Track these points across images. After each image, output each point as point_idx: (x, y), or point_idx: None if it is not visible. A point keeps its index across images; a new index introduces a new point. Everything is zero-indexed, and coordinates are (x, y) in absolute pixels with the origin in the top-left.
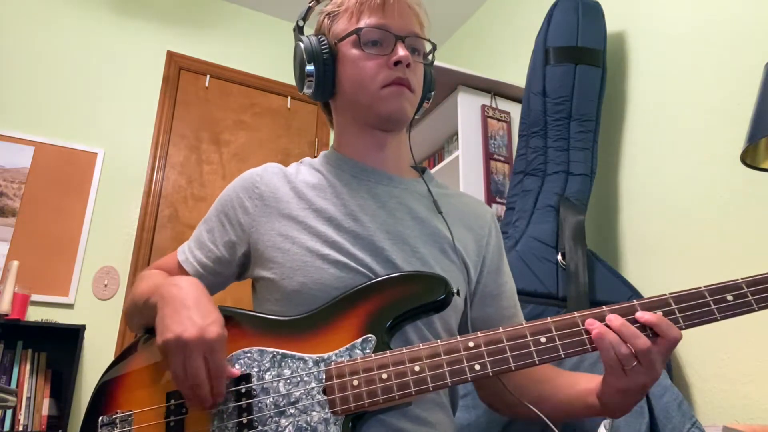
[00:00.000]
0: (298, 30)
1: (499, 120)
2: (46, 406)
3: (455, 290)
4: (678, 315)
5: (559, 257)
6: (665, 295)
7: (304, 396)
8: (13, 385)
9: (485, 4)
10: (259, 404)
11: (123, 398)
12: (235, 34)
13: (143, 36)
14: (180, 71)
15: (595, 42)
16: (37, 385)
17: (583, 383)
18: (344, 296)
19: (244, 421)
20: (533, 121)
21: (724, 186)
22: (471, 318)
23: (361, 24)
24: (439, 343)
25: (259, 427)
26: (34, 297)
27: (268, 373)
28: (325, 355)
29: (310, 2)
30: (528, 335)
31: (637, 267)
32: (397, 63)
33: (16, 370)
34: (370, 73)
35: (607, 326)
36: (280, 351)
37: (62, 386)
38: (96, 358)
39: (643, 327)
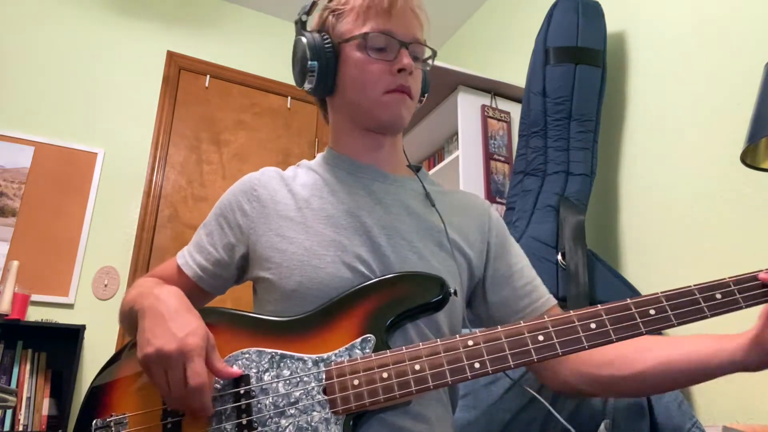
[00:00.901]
0: (301, 25)
1: (499, 120)
2: (46, 406)
3: (452, 290)
4: (670, 312)
5: (559, 257)
6: (657, 293)
7: (304, 396)
8: (13, 385)
9: (485, 4)
10: (259, 405)
11: (117, 401)
12: (235, 34)
13: (143, 36)
14: (180, 71)
15: (595, 42)
16: (37, 385)
17: (712, 344)
18: (342, 296)
19: (244, 422)
20: (533, 121)
21: (724, 186)
22: (489, 303)
23: (368, 27)
24: (439, 342)
25: (259, 428)
26: (34, 297)
27: (267, 373)
28: (325, 355)
29: None
30: (526, 333)
31: (637, 267)
32: (400, 70)
33: (16, 370)
34: (373, 77)
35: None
36: (279, 351)
37: (62, 386)
38: (96, 358)
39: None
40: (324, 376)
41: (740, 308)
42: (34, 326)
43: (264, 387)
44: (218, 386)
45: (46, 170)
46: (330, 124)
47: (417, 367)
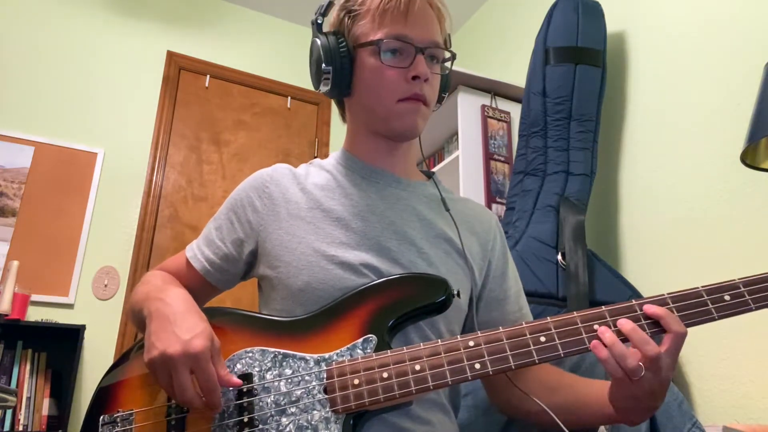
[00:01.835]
0: (317, 26)
1: (499, 120)
2: (46, 406)
3: (455, 292)
4: (676, 314)
5: (559, 257)
6: (663, 294)
7: (305, 395)
8: (13, 385)
9: (485, 4)
10: (260, 403)
11: (124, 398)
12: (235, 34)
13: (143, 36)
14: (180, 71)
15: (595, 42)
16: (37, 385)
17: (597, 390)
18: (345, 297)
19: (245, 419)
20: (533, 121)
21: (724, 186)
22: (477, 322)
23: (383, 32)
24: (440, 343)
25: (260, 426)
26: (34, 297)
27: (270, 372)
28: (326, 355)
29: None
30: (527, 334)
31: (637, 267)
32: (415, 78)
33: (16, 370)
34: (387, 85)
35: (618, 331)
36: (282, 351)
37: (62, 386)
38: (96, 358)
39: (654, 323)
40: (325, 375)
41: (750, 310)
42: (34, 326)
43: (266, 385)
44: None
45: (46, 170)
46: (347, 125)
47: (417, 367)
